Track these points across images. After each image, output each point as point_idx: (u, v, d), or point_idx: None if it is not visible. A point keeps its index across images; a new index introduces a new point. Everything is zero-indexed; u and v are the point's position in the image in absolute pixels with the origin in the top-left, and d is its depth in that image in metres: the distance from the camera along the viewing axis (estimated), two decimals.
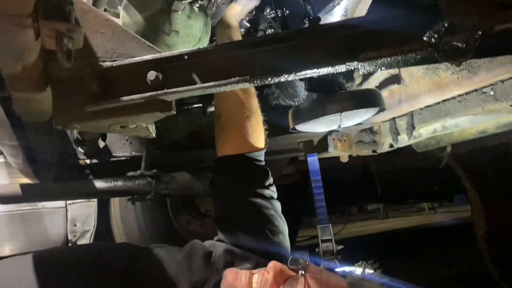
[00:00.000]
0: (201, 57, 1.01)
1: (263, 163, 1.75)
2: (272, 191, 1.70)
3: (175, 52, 1.01)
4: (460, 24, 0.80)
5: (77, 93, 1.02)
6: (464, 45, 0.81)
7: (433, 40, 0.83)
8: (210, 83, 0.98)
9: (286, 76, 0.97)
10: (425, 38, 0.84)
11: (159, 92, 0.98)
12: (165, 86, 0.99)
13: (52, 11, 0.75)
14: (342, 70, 0.97)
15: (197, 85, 0.99)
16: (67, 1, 0.78)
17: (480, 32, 0.81)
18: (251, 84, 1.00)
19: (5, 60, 0.85)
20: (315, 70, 0.95)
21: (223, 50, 1.02)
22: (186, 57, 1.01)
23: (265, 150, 1.75)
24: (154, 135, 1.27)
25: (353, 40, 0.92)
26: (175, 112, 1.05)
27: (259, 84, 1.01)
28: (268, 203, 1.66)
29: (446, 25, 0.80)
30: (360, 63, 0.92)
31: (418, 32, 0.86)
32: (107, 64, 1.00)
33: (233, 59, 1.00)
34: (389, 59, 0.91)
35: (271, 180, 1.72)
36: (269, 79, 0.98)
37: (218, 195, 1.74)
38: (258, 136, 1.72)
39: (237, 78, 0.97)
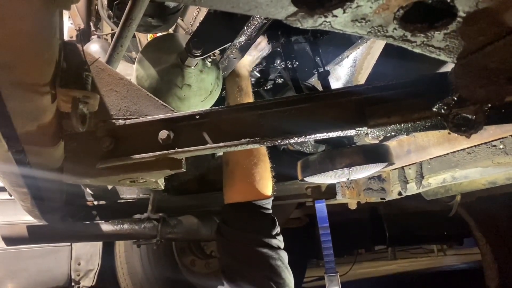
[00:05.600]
0: (212, 117, 1.02)
1: (271, 211, 1.73)
2: (279, 241, 1.68)
3: (186, 111, 1.03)
4: (469, 97, 0.80)
5: (89, 149, 1.04)
6: (474, 117, 0.81)
7: (442, 110, 0.84)
8: (221, 144, 0.99)
9: (296, 138, 0.98)
10: (434, 109, 0.84)
11: (169, 151, 0.99)
12: (176, 145, 1.01)
13: (69, 79, 0.77)
14: (352, 134, 0.97)
15: (208, 145, 1.00)
16: (84, 68, 0.80)
17: (489, 105, 0.81)
18: (262, 145, 1.00)
19: (21, 121, 0.87)
20: (325, 134, 0.96)
21: (234, 111, 1.03)
22: (197, 116, 1.02)
23: (272, 198, 1.74)
24: (162, 187, 1.28)
25: (363, 106, 0.93)
26: (185, 170, 1.05)
27: (270, 145, 1.02)
28: (275, 253, 1.62)
29: (455, 98, 0.81)
30: (369, 129, 0.93)
31: (427, 101, 0.87)
32: (120, 122, 1.02)
33: (243, 120, 1.01)
34: (398, 126, 0.91)
35: (278, 229, 1.69)
36: (279, 141, 0.98)
37: (224, 243, 1.72)
38: (265, 184, 1.71)
39: (247, 139, 0.98)
